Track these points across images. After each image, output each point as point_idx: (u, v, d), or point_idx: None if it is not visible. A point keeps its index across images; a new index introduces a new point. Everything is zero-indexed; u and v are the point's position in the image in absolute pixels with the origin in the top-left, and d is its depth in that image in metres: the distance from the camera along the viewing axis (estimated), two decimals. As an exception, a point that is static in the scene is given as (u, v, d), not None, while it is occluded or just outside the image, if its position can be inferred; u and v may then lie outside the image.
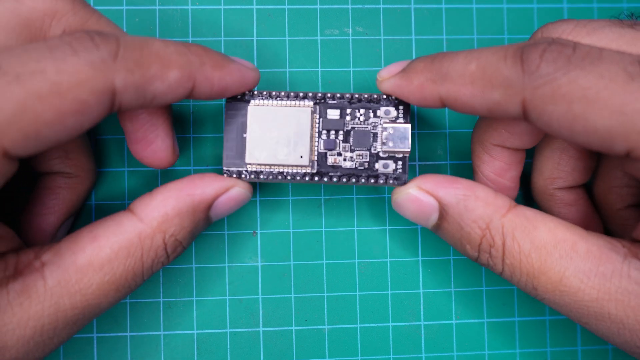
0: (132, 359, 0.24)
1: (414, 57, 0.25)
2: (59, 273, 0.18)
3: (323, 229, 0.25)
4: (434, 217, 0.20)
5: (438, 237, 0.25)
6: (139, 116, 0.20)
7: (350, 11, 0.25)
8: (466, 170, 0.25)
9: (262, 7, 0.25)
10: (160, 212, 0.19)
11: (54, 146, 0.17)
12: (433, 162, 0.25)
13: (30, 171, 0.22)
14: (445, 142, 0.25)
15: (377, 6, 0.25)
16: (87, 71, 0.16)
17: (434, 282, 0.25)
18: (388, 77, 0.20)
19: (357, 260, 0.25)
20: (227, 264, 0.24)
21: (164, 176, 0.25)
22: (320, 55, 0.25)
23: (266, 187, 0.25)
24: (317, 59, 0.25)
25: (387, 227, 0.25)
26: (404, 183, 0.21)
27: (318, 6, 0.25)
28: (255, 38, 0.25)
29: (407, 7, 0.25)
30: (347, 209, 0.25)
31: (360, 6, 0.25)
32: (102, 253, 0.18)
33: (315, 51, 0.25)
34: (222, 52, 0.24)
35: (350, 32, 0.25)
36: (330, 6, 0.25)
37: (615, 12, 0.26)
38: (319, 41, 0.25)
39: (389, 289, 0.25)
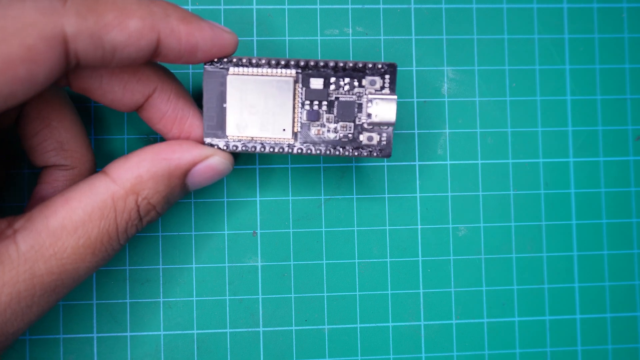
0: (132, 359, 0.24)
1: (413, 57, 0.25)
2: (32, 237, 0.17)
3: (323, 229, 0.25)
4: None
5: (438, 237, 0.25)
6: (166, 114, 0.20)
7: (350, 11, 0.25)
8: (466, 170, 0.25)
9: (262, 7, 0.25)
10: (133, 173, 0.19)
11: (11, 103, 0.16)
12: (433, 162, 0.25)
13: (32, 167, 0.22)
14: (445, 142, 0.25)
15: (377, 6, 0.25)
16: (33, 15, 0.16)
17: (434, 282, 0.25)
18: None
19: (357, 260, 0.25)
20: (227, 264, 0.24)
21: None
22: (320, 55, 0.25)
23: (266, 187, 0.25)
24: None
25: (387, 227, 0.25)
26: (389, 155, 0.21)
27: (318, 6, 0.25)
28: (255, 38, 0.25)
29: (407, 7, 0.25)
30: (347, 209, 0.25)
31: (360, 6, 0.25)
32: (75, 215, 0.18)
33: (315, 51, 0.25)
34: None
35: (350, 32, 0.25)
36: (330, 6, 0.25)
37: (616, 12, 0.26)
38: (319, 41, 0.25)
39: (389, 289, 0.25)
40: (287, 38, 0.25)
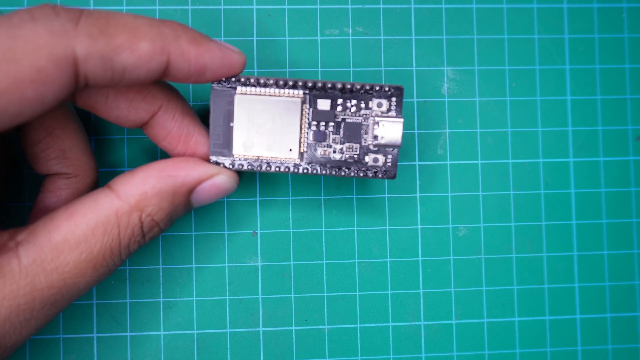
0: (132, 359, 0.24)
1: (414, 57, 0.25)
2: (34, 251, 0.17)
3: (323, 229, 0.25)
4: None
5: (438, 237, 0.25)
6: (171, 132, 0.20)
7: (350, 11, 0.25)
8: (466, 170, 0.25)
9: (262, 7, 0.25)
10: (139, 190, 0.19)
11: (17, 121, 0.16)
12: (433, 162, 0.25)
13: (35, 175, 0.22)
14: (445, 142, 0.25)
15: (377, 6, 0.25)
16: (45, 37, 0.16)
17: (434, 282, 0.25)
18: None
19: (357, 260, 0.25)
20: (227, 264, 0.24)
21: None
22: (320, 55, 0.25)
23: (266, 187, 0.25)
24: (317, 59, 0.25)
25: (387, 227, 0.25)
26: (394, 177, 0.21)
27: (318, 6, 0.25)
28: (255, 38, 0.25)
29: (407, 7, 0.25)
30: (347, 209, 0.25)
31: (360, 6, 0.25)
32: (78, 230, 0.18)
33: (315, 51, 0.25)
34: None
35: (350, 32, 0.25)
36: (330, 6, 0.25)
37: (616, 12, 0.26)
38: (319, 41, 0.25)
39: (389, 289, 0.25)
40: (287, 38, 0.25)
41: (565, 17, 0.26)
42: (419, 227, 0.25)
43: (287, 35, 0.25)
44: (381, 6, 0.25)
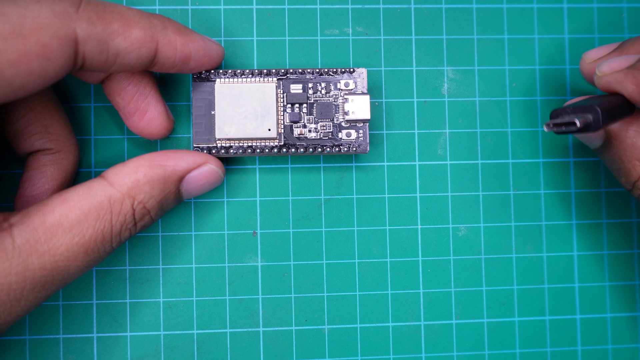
0: (132, 359, 0.24)
1: (413, 57, 0.25)
2: (28, 232, 0.18)
3: (323, 229, 0.25)
4: (597, 143, 0.22)
5: (438, 237, 0.25)
6: (126, 88, 0.22)
7: (350, 11, 0.25)
8: (465, 170, 0.25)
9: (262, 7, 0.25)
10: (131, 178, 0.20)
11: (20, 94, 0.17)
12: (433, 162, 0.25)
13: (17, 156, 0.22)
14: (445, 142, 0.25)
15: (377, 6, 0.25)
16: (49, 17, 0.17)
17: (434, 282, 0.25)
18: (610, 73, 0.20)
19: (357, 260, 0.25)
20: (227, 264, 0.24)
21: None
22: (320, 55, 0.25)
23: (266, 187, 0.25)
24: (317, 59, 0.25)
25: (387, 227, 0.25)
26: (366, 151, 0.23)
27: (318, 6, 0.25)
28: (255, 38, 0.25)
29: (407, 7, 0.25)
30: (347, 209, 0.25)
31: (360, 6, 0.25)
32: (72, 214, 0.19)
33: (315, 51, 0.25)
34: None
35: (350, 32, 0.25)
36: (330, 6, 0.25)
37: (616, 12, 0.26)
38: (319, 41, 0.25)
39: (389, 289, 0.25)
40: (287, 38, 0.25)
41: (565, 17, 0.26)
42: (419, 227, 0.25)
43: (287, 35, 0.25)
44: (381, 6, 0.25)
